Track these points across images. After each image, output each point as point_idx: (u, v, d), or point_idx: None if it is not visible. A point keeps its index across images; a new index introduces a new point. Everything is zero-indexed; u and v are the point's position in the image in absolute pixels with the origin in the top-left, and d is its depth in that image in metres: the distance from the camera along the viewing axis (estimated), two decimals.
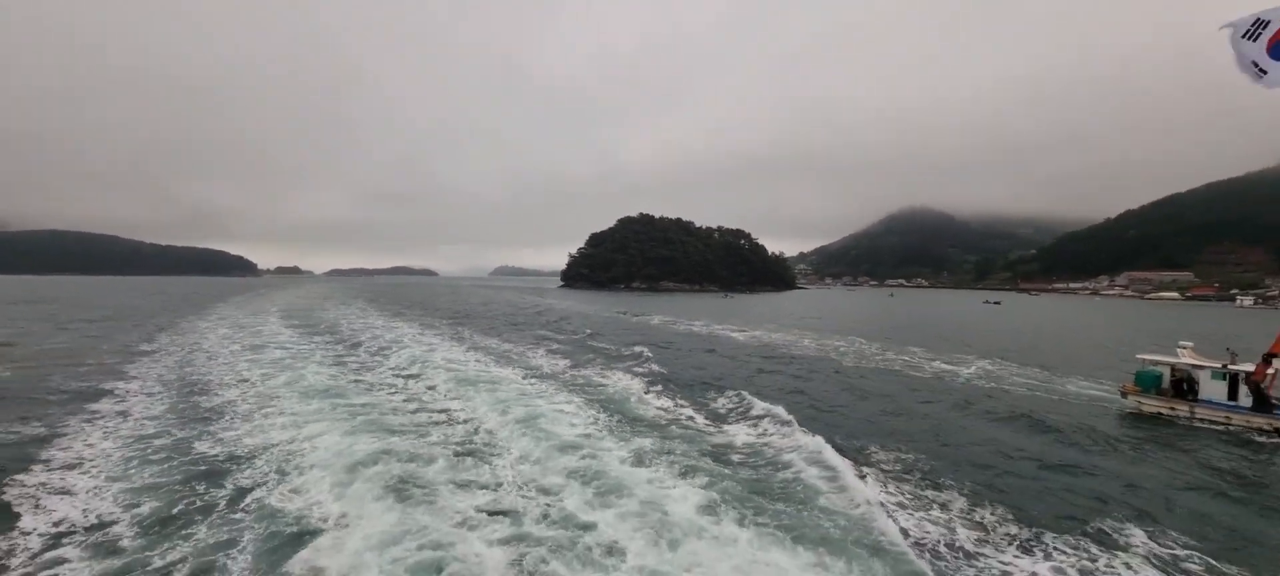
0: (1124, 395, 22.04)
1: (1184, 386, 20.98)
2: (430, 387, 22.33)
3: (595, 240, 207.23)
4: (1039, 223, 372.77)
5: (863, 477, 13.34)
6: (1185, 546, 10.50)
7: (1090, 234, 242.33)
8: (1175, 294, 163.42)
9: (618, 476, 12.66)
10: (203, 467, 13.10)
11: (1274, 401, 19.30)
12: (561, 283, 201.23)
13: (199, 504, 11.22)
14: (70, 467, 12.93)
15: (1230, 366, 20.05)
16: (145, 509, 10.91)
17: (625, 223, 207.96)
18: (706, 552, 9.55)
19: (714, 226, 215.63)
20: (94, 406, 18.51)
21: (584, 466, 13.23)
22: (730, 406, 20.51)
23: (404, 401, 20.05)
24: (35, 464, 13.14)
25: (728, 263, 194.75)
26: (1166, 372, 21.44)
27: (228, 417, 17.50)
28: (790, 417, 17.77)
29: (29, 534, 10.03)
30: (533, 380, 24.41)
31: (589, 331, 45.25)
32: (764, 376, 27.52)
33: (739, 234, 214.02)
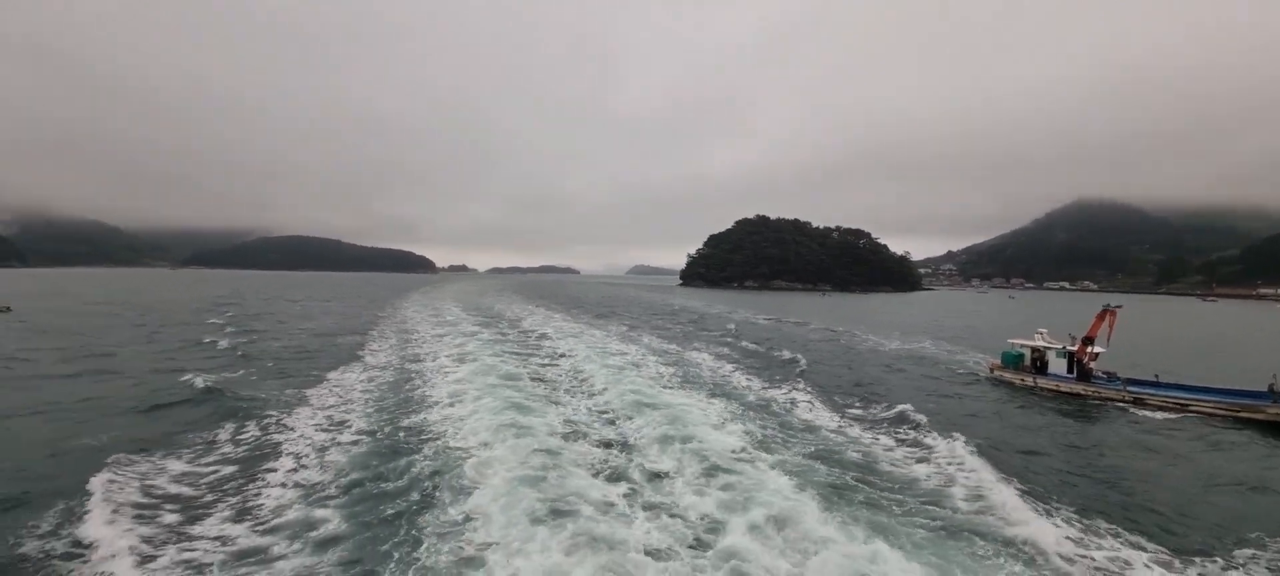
0: (991, 371, 28.72)
1: (1037, 363, 27.05)
2: (570, 370, 26.41)
3: (713, 241, 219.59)
4: (1266, 215, 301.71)
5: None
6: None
7: None
8: None
9: (753, 481, 12.45)
10: (400, 431, 16.19)
11: (1091, 372, 25.23)
12: (680, 281, 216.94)
13: (393, 453, 14.16)
14: (328, 407, 18.08)
15: (1068, 348, 25.91)
16: (363, 448, 14.31)
17: (742, 224, 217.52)
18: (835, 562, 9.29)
19: (833, 226, 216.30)
20: (347, 366, 26.81)
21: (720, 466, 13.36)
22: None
23: (546, 380, 23.67)
24: (303, 407, 18.09)
25: (843, 262, 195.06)
26: (1027, 353, 27.72)
27: (420, 383, 22.90)
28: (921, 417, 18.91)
29: (278, 457, 13.40)
30: (648, 358, 30.36)
31: (691, 323, 52.92)
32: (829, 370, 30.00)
33: (858, 234, 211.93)
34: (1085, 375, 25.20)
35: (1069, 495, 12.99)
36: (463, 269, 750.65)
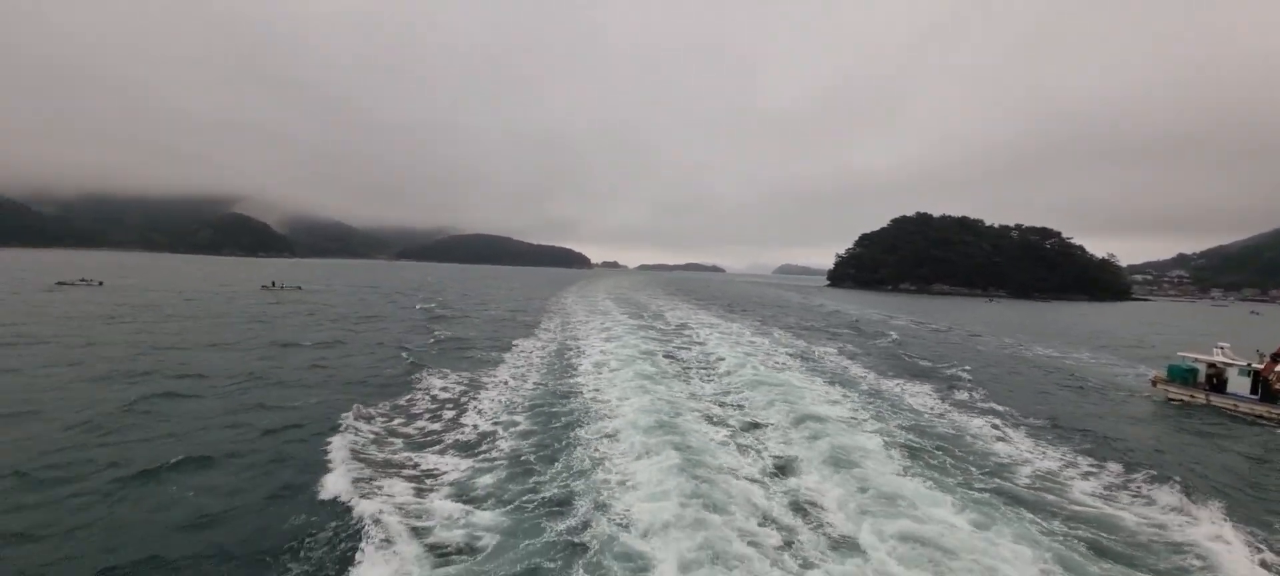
0: (1154, 384, 26.40)
1: (1213, 380, 24.43)
2: (717, 372, 25.30)
3: (865, 240, 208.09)
4: None
5: None
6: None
7: None
8: None
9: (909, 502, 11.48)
10: (556, 409, 17.63)
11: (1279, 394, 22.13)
12: (827, 282, 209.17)
13: (551, 428, 15.78)
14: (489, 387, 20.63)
15: (1254, 365, 23.10)
16: (522, 425, 15.98)
17: (899, 222, 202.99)
18: None
19: (1012, 225, 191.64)
20: (520, 343, 32.00)
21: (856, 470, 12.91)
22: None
23: (692, 381, 23.13)
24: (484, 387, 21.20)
25: (1022, 265, 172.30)
26: (1201, 368, 25.05)
27: (575, 354, 27.74)
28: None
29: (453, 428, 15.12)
30: (796, 364, 28.35)
31: (844, 328, 50.23)
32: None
33: (1044, 233, 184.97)
34: (1272, 397, 22.55)
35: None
36: (614, 265, 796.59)
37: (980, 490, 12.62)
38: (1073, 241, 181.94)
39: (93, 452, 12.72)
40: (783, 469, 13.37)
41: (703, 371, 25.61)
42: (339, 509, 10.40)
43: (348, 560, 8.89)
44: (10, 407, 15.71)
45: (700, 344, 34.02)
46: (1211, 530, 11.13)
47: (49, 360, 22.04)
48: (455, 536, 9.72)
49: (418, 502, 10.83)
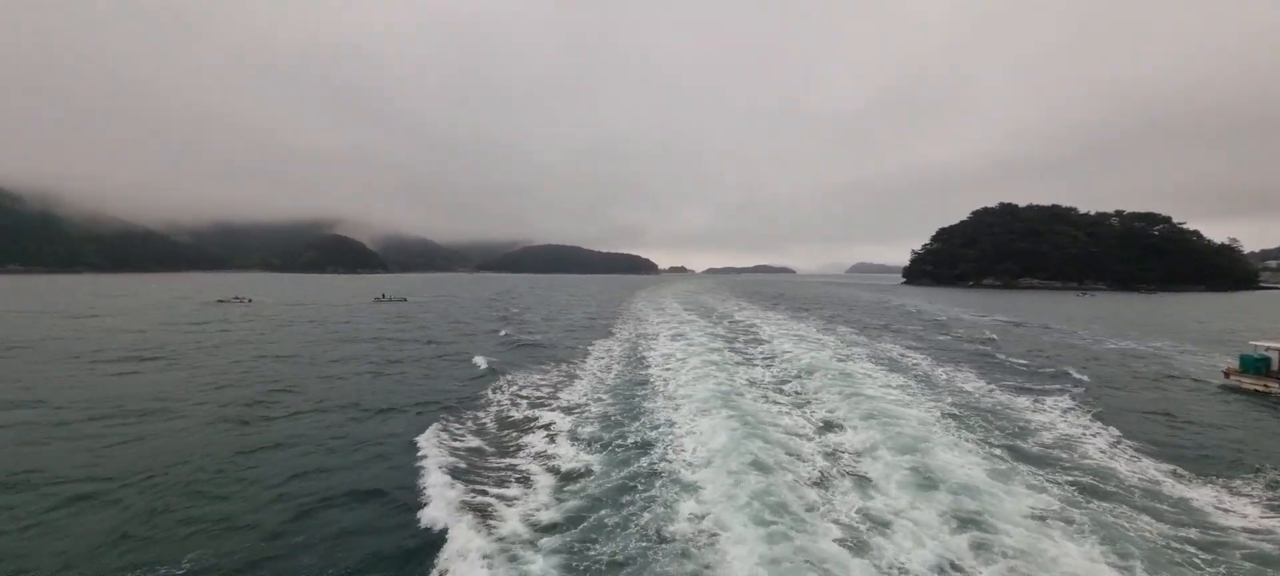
0: (1226, 376, 26.20)
1: None
2: (792, 380, 23.54)
3: (943, 234, 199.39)
4: None
5: None
6: None
7: None
8: None
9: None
10: (631, 409, 18.09)
11: None
12: (903, 279, 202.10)
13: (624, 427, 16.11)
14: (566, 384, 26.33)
15: None
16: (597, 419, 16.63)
17: (980, 214, 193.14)
18: None
19: (1110, 211, 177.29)
20: (592, 347, 36.72)
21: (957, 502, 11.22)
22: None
23: (767, 388, 22.06)
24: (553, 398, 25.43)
25: (1126, 255, 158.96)
26: (1275, 357, 25.11)
27: (645, 350, 31.53)
28: None
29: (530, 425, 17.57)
30: (879, 369, 25.99)
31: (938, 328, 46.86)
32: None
33: (1151, 218, 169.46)
34: None
35: None
36: (681, 270, 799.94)
37: (1054, 482, 12.64)
38: (1185, 226, 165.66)
39: (323, 405, 18.47)
40: (849, 460, 13.99)
41: (766, 363, 27.49)
42: (431, 497, 11.48)
43: (441, 539, 9.81)
44: (281, 384, 22.18)
45: (766, 342, 35.11)
46: None
47: (285, 353, 29.20)
48: (546, 516, 10.79)
49: (514, 487, 12.10)
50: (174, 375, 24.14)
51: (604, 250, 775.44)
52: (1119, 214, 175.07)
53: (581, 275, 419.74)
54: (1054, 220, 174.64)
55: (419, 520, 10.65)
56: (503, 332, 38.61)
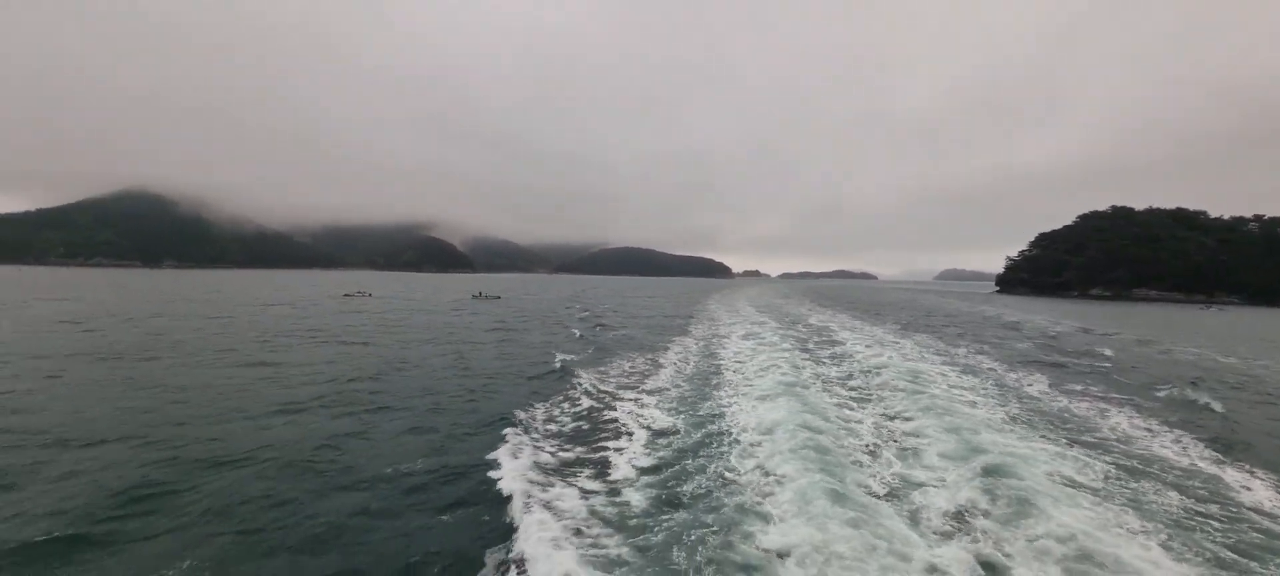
0: None
1: None
2: (870, 395, 20.31)
3: (1044, 240, 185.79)
4: None
5: None
6: None
7: None
8: None
9: None
10: (698, 413, 17.40)
11: None
12: (996, 288, 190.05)
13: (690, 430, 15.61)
14: (654, 392, 19.90)
15: None
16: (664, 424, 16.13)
17: (1088, 219, 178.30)
18: None
19: (1249, 215, 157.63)
20: (665, 348, 33.83)
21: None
22: None
23: (842, 402, 18.96)
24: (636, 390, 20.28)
25: (1266, 265, 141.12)
26: None
27: (719, 348, 30.71)
28: None
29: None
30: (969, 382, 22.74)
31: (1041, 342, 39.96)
32: None
33: None
34: None
35: None
36: (756, 274, 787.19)
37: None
38: None
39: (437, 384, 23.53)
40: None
41: (835, 361, 27.34)
42: (506, 496, 11.20)
43: (512, 528, 9.81)
44: (404, 366, 27.89)
45: (840, 343, 34.16)
46: None
47: (410, 341, 35.58)
48: (611, 511, 10.51)
49: (584, 484, 11.97)
50: (372, 352, 30.38)
51: (678, 254, 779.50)
52: (1258, 218, 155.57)
53: (656, 277, 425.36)
54: (1177, 224, 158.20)
55: (512, 489, 11.44)
56: (578, 333, 41.37)
